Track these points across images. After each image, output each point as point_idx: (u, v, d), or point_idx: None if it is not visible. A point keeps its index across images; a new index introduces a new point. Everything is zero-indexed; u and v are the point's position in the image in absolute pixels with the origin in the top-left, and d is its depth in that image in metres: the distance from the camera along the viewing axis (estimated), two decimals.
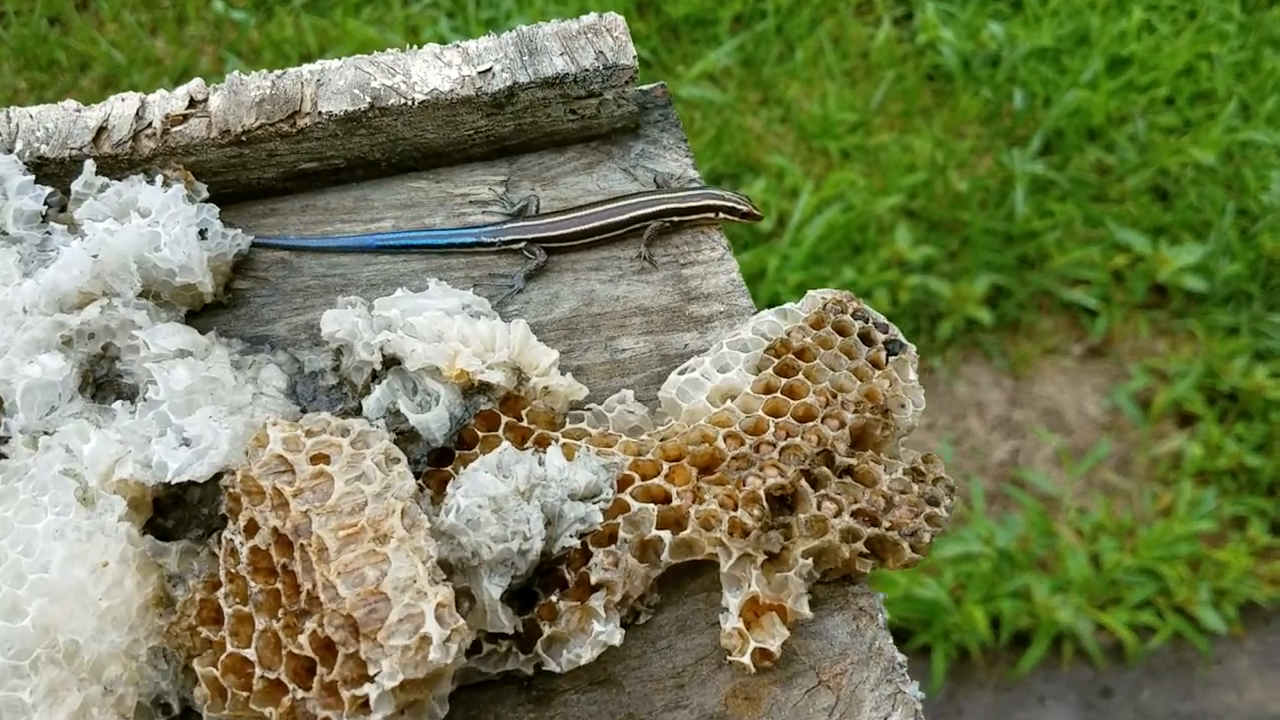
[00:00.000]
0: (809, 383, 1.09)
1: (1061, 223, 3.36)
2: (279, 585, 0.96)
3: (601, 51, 1.28)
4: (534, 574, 1.00)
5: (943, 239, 3.35)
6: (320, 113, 1.25)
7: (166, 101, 1.27)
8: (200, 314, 1.23)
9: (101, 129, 1.25)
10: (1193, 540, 2.93)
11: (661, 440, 1.08)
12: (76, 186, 1.21)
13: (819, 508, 1.02)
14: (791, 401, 1.08)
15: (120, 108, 1.26)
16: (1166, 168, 3.44)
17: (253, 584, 0.96)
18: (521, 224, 1.28)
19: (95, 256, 1.14)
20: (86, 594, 0.96)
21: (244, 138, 1.25)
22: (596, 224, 1.28)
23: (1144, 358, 3.25)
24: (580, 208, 1.30)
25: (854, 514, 1.02)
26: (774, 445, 1.05)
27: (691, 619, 1.03)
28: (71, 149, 1.23)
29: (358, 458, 1.00)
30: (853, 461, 1.06)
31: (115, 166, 1.25)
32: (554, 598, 0.99)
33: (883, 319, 1.15)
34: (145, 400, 1.08)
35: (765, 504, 1.01)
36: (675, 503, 1.02)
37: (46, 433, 1.07)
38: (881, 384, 1.10)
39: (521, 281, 1.26)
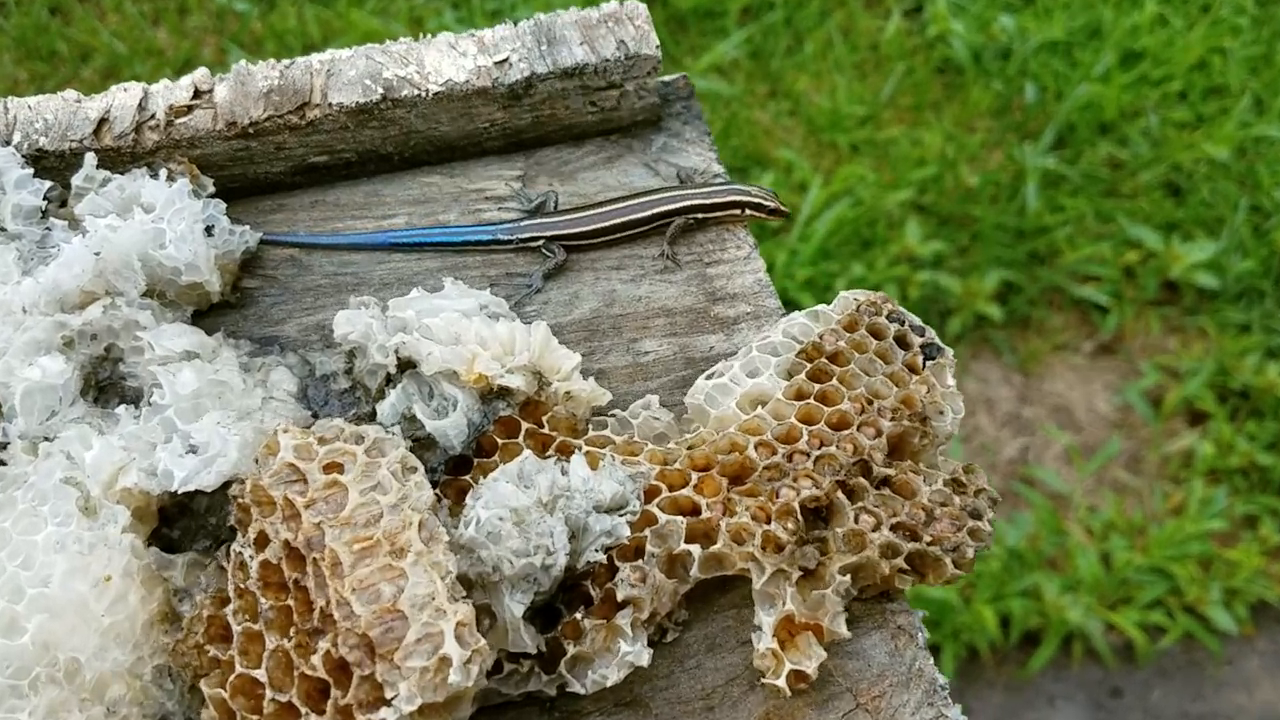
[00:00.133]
0: (843, 389, 1.04)
1: (1073, 218, 3.30)
2: (290, 602, 0.90)
3: (623, 41, 1.22)
4: (557, 590, 0.95)
5: (953, 234, 3.30)
6: (330, 104, 1.20)
7: (170, 92, 1.21)
8: (207, 314, 1.17)
9: (103, 120, 1.19)
10: (1204, 539, 2.88)
11: (689, 449, 1.02)
12: (77, 180, 1.15)
13: (856, 521, 0.97)
14: (825, 408, 1.03)
15: (122, 98, 1.21)
16: (1179, 163, 3.38)
17: (263, 600, 0.91)
18: (539, 221, 1.23)
19: (97, 254, 1.08)
20: (88, 609, 0.91)
21: (251, 130, 1.19)
22: (617, 221, 1.22)
23: (1155, 355, 3.20)
24: (600, 204, 1.24)
25: (893, 528, 0.96)
26: (808, 454, 1.00)
27: (721, 637, 0.98)
28: (72, 141, 1.18)
29: (373, 467, 0.94)
30: (890, 472, 1.01)
31: (117, 160, 1.19)
32: (578, 615, 0.93)
33: (918, 321, 1.10)
34: (150, 404, 1.03)
35: (800, 517, 0.96)
36: (705, 515, 0.97)
37: (47, 438, 1.02)
38: (919, 390, 1.05)
39: (540, 281, 1.20)
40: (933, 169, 3.34)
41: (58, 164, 1.18)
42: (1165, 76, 3.57)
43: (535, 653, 0.92)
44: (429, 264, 1.22)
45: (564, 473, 0.97)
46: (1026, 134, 3.49)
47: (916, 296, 3.16)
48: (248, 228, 1.19)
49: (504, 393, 1.04)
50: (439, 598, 0.87)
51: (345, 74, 1.22)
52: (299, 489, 0.93)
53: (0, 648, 0.88)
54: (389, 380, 1.06)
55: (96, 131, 1.18)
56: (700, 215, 1.23)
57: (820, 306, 1.10)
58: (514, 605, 0.91)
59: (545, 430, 1.04)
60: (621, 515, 0.96)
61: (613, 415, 1.07)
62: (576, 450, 1.02)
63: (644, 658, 0.91)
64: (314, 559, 0.90)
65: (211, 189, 1.20)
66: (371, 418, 1.06)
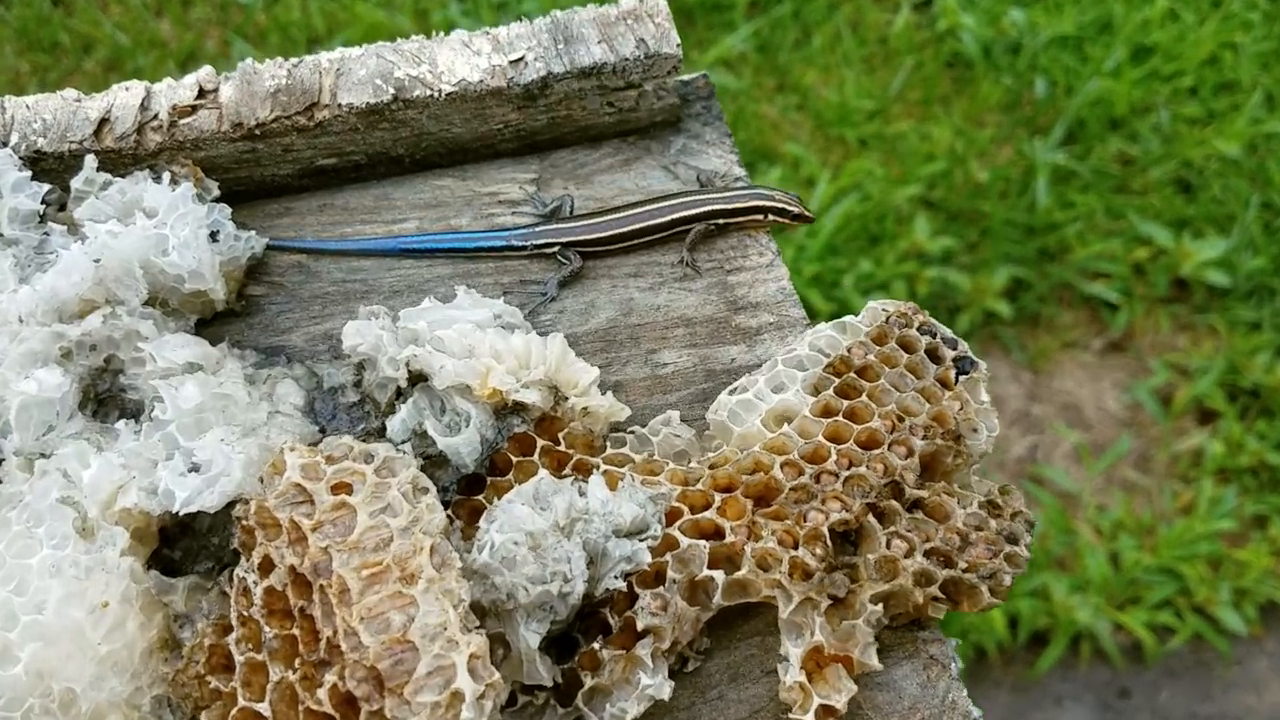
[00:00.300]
0: (873, 405, 0.98)
1: (1083, 214, 3.24)
2: (296, 631, 0.86)
3: (642, 39, 1.16)
4: (574, 618, 0.89)
5: (962, 230, 3.24)
6: (340, 105, 1.14)
7: (174, 91, 1.16)
8: (211, 323, 1.12)
9: (103, 121, 1.13)
10: (1213, 539, 2.83)
11: (712, 468, 0.97)
12: (77, 184, 1.10)
13: (888, 546, 0.91)
14: (854, 426, 0.97)
15: (124, 98, 1.15)
16: (1190, 159, 3.32)
17: (267, 629, 0.86)
18: (555, 226, 1.17)
19: (97, 261, 1.03)
20: (85, 637, 0.86)
21: (258, 131, 1.14)
22: (635, 226, 1.16)
23: (1165, 353, 3.14)
24: (618, 209, 1.19)
25: (927, 553, 0.91)
26: (836, 475, 0.94)
27: (745, 666, 0.93)
28: (71, 143, 1.12)
29: (383, 487, 0.89)
30: (923, 494, 0.95)
31: (118, 162, 1.14)
32: (596, 645, 0.88)
33: (950, 333, 1.04)
34: (151, 420, 0.98)
35: (828, 541, 0.90)
36: (728, 539, 0.91)
37: (43, 455, 0.96)
38: (952, 406, 0.99)
39: (555, 289, 1.15)
40: (942, 164, 3.28)
41: (57, 166, 1.13)
42: (1176, 72, 3.50)
43: (551, 685, 0.87)
44: (440, 270, 1.16)
45: (582, 494, 0.92)
46: (1036, 129, 3.42)
47: (925, 293, 3.10)
48: (253, 233, 1.14)
49: (519, 408, 0.99)
50: (451, 628, 0.82)
51: (355, 73, 1.16)
52: (306, 511, 0.88)
53: None
54: (399, 394, 1.01)
55: (97, 132, 1.13)
56: (721, 220, 1.17)
57: (848, 318, 1.04)
58: (529, 635, 0.86)
59: (561, 447, 0.99)
60: (642, 539, 0.90)
61: (631, 432, 1.02)
62: (594, 469, 0.97)
63: (665, 690, 0.86)
64: (321, 585, 0.85)
65: (216, 192, 1.15)
66: (381, 433, 1.00)
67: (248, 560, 0.88)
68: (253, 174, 1.18)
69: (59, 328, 1.00)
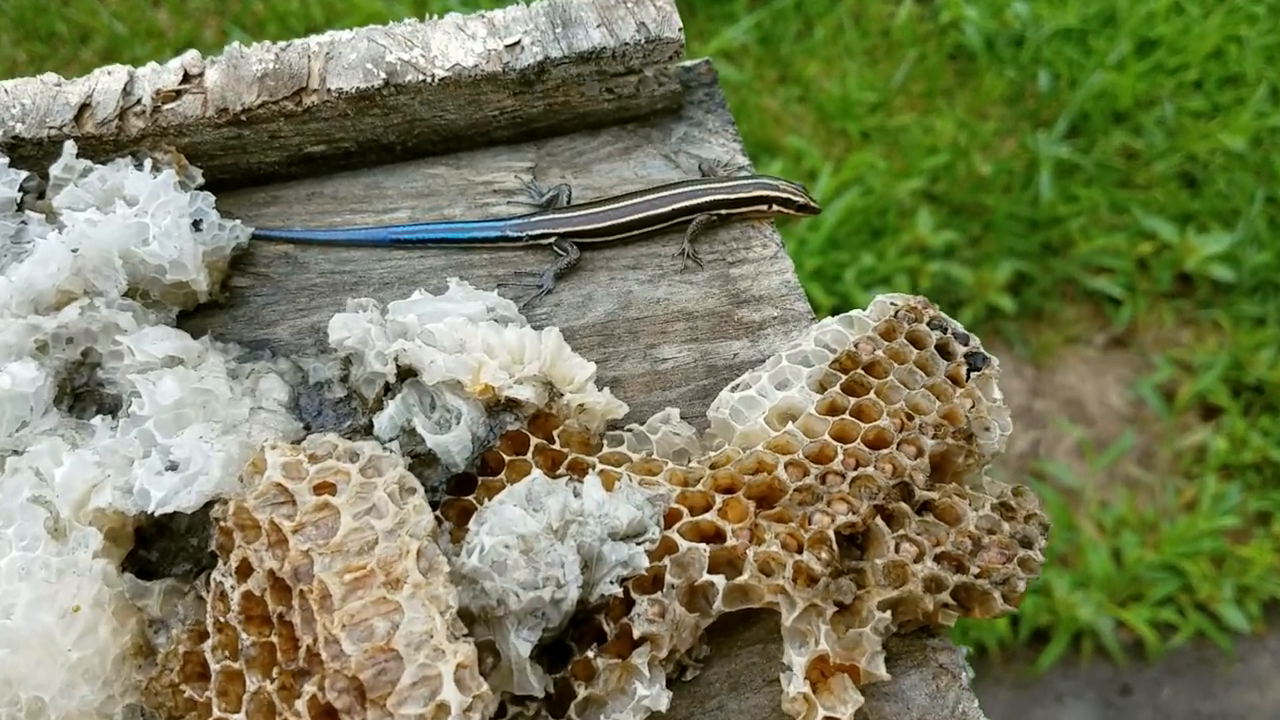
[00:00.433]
0: (881, 403, 0.93)
1: (1086, 208, 3.18)
2: (274, 638, 0.81)
3: (643, 23, 1.11)
4: (567, 625, 0.84)
5: (965, 224, 3.19)
6: (329, 90, 1.09)
7: (158, 76, 1.11)
8: (193, 315, 1.07)
9: (84, 106, 1.08)
10: (1216, 536, 2.79)
11: (713, 468, 0.92)
12: (56, 171, 1.05)
13: (897, 550, 0.86)
14: (861, 425, 0.92)
15: (106, 82, 1.10)
16: (1194, 153, 3.26)
17: (244, 636, 0.81)
18: (551, 216, 1.13)
19: (75, 251, 0.98)
20: (54, 643, 0.82)
21: (244, 117, 1.09)
22: (635, 217, 1.12)
23: (1168, 348, 3.09)
24: (616, 199, 1.14)
25: (937, 558, 0.86)
26: (843, 476, 0.89)
27: (746, 675, 0.88)
28: (50, 128, 1.07)
29: (368, 488, 0.84)
30: (933, 495, 0.90)
31: (99, 148, 1.09)
32: (590, 653, 0.83)
33: (961, 328, 0.99)
34: (128, 416, 0.93)
35: (834, 545, 0.85)
36: (730, 542, 0.87)
37: (16, 452, 0.92)
38: (963, 404, 0.94)
39: (551, 281, 1.10)
40: (944, 157, 3.23)
41: (35, 152, 1.08)
42: (1181, 65, 3.44)
43: (543, 695, 0.82)
44: (433, 262, 1.11)
45: (576, 495, 0.87)
46: (1040, 122, 3.37)
47: (927, 287, 3.05)
48: (238, 222, 1.09)
49: (512, 405, 0.94)
50: (437, 635, 0.78)
51: (345, 57, 1.11)
52: (287, 512, 0.83)
53: None
54: (388, 390, 0.96)
55: (77, 118, 1.08)
56: (724, 211, 1.13)
57: (855, 312, 0.99)
58: (520, 643, 0.81)
59: (556, 446, 0.94)
60: (639, 543, 0.85)
61: (629, 430, 0.97)
62: (590, 469, 0.92)
63: (662, 701, 0.81)
64: (301, 591, 0.80)
65: (200, 180, 1.10)
66: (368, 430, 0.95)
67: (225, 563, 0.84)
68: (239, 161, 1.13)
69: (35, 320, 0.95)
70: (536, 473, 0.89)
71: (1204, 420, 3.01)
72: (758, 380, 0.96)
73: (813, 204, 1.15)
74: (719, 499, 0.89)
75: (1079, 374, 3.11)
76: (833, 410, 0.93)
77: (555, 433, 0.95)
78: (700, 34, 3.54)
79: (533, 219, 1.13)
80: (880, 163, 3.22)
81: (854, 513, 0.87)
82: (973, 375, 0.97)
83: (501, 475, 0.92)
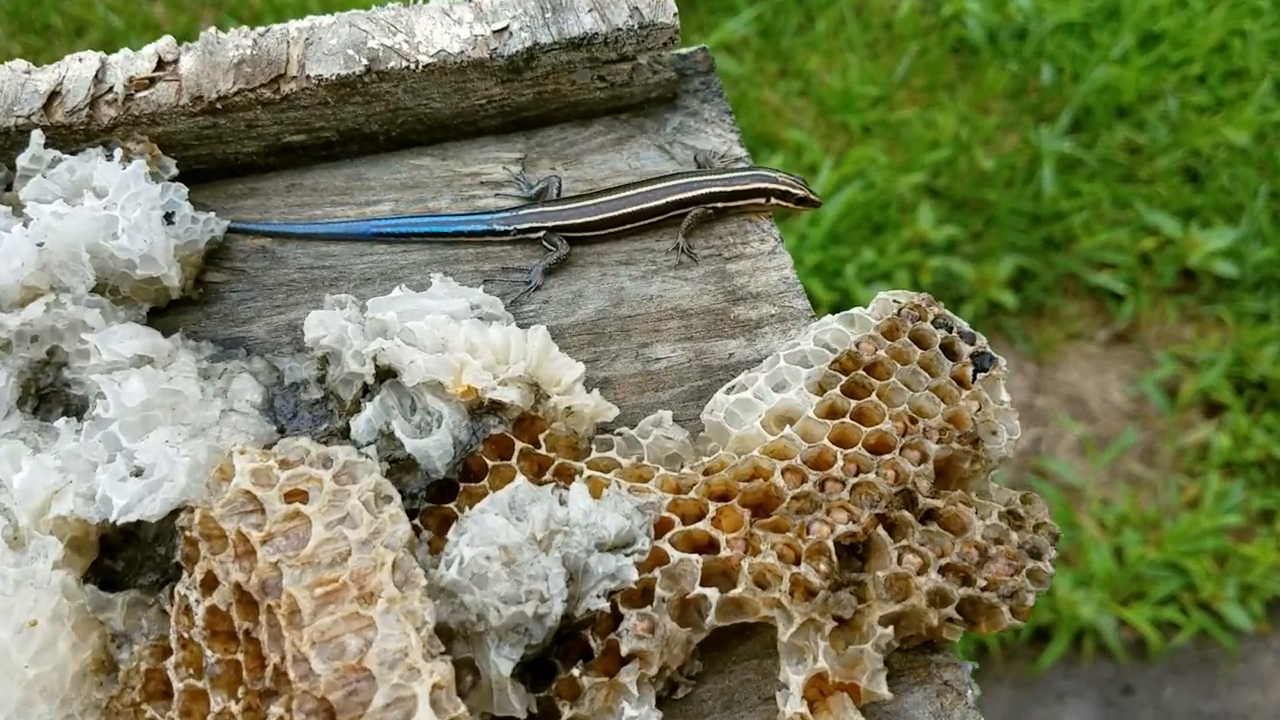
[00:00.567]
0: (883, 405, 0.88)
1: (1089, 204, 3.13)
2: (240, 656, 0.76)
3: (637, 8, 1.05)
4: (552, 641, 0.79)
5: (966, 219, 3.13)
6: (308, 77, 1.03)
7: (131, 63, 1.05)
8: (165, 312, 1.01)
9: (54, 94, 1.03)
10: (1219, 534, 2.74)
11: (706, 474, 0.87)
12: (22, 161, 1.00)
13: (899, 562, 0.81)
14: (862, 429, 0.87)
15: (77, 69, 1.04)
16: (1198, 148, 3.20)
17: (209, 653, 0.76)
18: (541, 209, 1.07)
19: (41, 244, 0.93)
20: (10, 659, 0.77)
21: (219, 105, 1.03)
22: (627, 210, 1.07)
23: (1171, 344, 3.04)
24: (609, 191, 1.09)
25: (942, 570, 0.81)
26: (842, 483, 0.84)
27: (740, 692, 0.83)
28: (18, 116, 1.02)
29: (341, 495, 0.79)
30: (938, 503, 0.85)
31: (69, 138, 1.03)
32: (576, 671, 0.78)
33: (967, 327, 0.94)
34: (93, 418, 0.87)
35: (834, 556, 0.80)
36: (723, 553, 0.81)
37: None
38: (969, 406, 0.89)
39: (540, 277, 1.05)
40: (946, 152, 3.17)
41: (2, 142, 1.03)
42: (1184, 59, 3.38)
43: (525, 716, 0.76)
44: (416, 257, 1.06)
45: (562, 502, 0.82)
46: (1042, 117, 3.31)
47: (929, 283, 3.00)
48: (213, 215, 1.03)
49: (496, 407, 0.88)
50: (413, 654, 0.73)
51: (325, 43, 1.05)
52: (255, 521, 0.78)
53: None
54: (366, 391, 0.91)
55: (46, 106, 1.02)
56: (720, 204, 1.07)
57: (856, 310, 0.94)
58: (501, 661, 0.76)
59: (542, 450, 0.89)
60: (628, 554, 0.80)
61: (619, 434, 0.92)
62: (577, 475, 0.87)
63: None
64: (268, 605, 0.75)
65: (174, 171, 1.04)
66: (345, 434, 0.90)
67: (190, 576, 0.78)
68: (215, 151, 1.07)
69: None
70: (520, 479, 0.83)
71: (1207, 417, 2.96)
72: (754, 382, 0.90)
73: (813, 197, 1.10)
74: (713, 507, 0.84)
75: (1081, 370, 3.06)
76: (832, 413, 0.88)
77: (541, 437, 0.89)
78: (701, 27, 3.48)
79: (521, 212, 1.07)
80: (881, 157, 3.16)
81: (854, 522, 0.81)
82: (979, 376, 0.91)
83: (484, 481, 0.87)
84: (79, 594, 0.81)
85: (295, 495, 0.79)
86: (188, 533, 0.79)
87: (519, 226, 1.07)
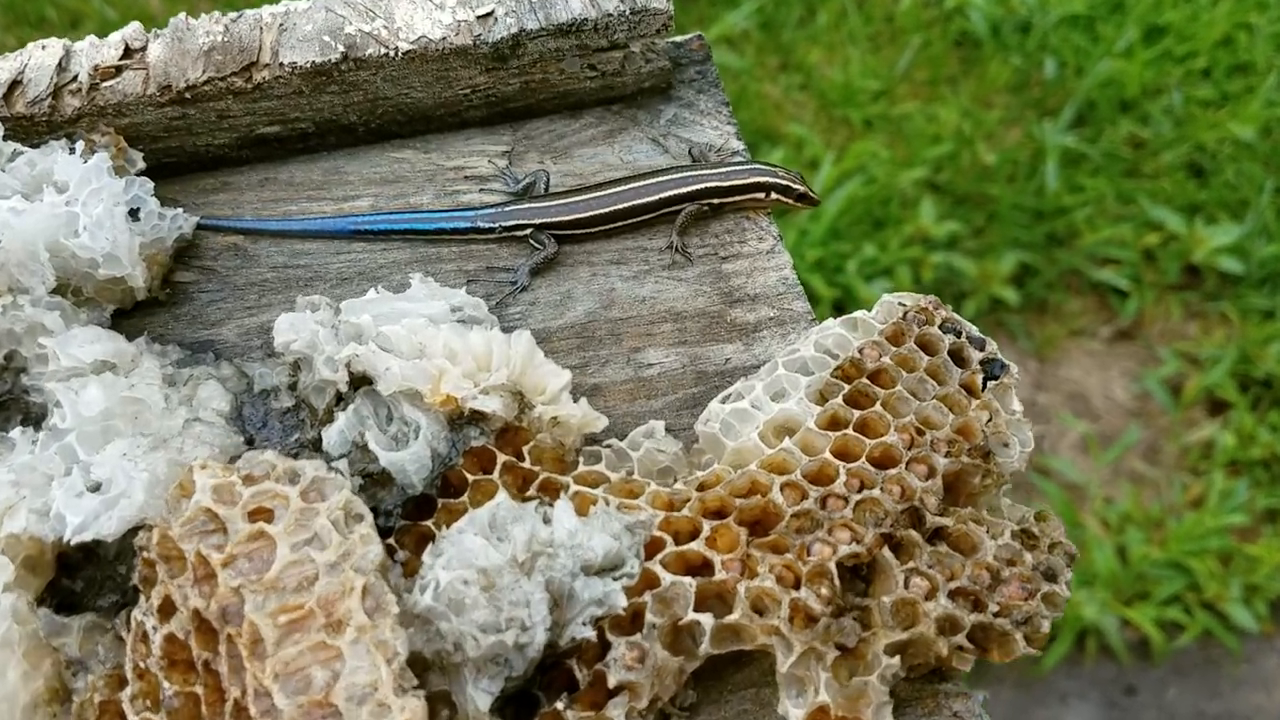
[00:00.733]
0: (888, 416, 0.81)
1: (1092, 199, 3.06)
2: (199, 688, 0.70)
3: None
4: (534, 672, 0.73)
5: (969, 214, 3.06)
6: (282, 64, 0.97)
7: (97, 50, 0.99)
8: (131, 314, 0.95)
9: (14, 84, 0.97)
10: (1223, 534, 2.68)
11: (700, 489, 0.80)
12: None
13: (906, 586, 0.75)
14: (866, 441, 0.80)
15: (39, 57, 0.98)
16: (1203, 143, 3.14)
17: (166, 684, 0.70)
18: (527, 206, 1.01)
19: None
20: None
21: (189, 95, 0.97)
22: (619, 207, 1.01)
23: (1175, 341, 2.98)
24: (599, 186, 1.03)
25: (952, 594, 0.74)
26: (845, 500, 0.78)
27: None
28: None
29: (309, 514, 0.73)
30: (947, 521, 0.78)
31: (31, 130, 0.97)
32: (560, 704, 0.72)
33: (977, 331, 0.87)
34: (50, 428, 0.81)
35: (836, 579, 0.74)
36: (718, 575, 0.75)
37: None
38: (979, 417, 0.82)
39: (526, 277, 0.99)
40: (948, 146, 3.10)
41: None
42: (1189, 53, 3.31)
43: None
44: (397, 255, 1.00)
45: (546, 521, 0.76)
46: (1046, 111, 3.24)
47: (930, 279, 2.94)
48: (181, 211, 0.97)
49: (477, 417, 0.82)
50: (383, 688, 0.67)
51: (300, 29, 0.99)
52: (216, 541, 0.72)
53: None
54: (339, 399, 0.84)
55: (6, 96, 0.96)
56: (716, 200, 1.01)
57: (859, 313, 0.87)
58: (479, 695, 0.70)
59: (526, 464, 0.82)
60: (616, 578, 0.74)
61: (608, 445, 0.85)
62: (564, 490, 0.80)
63: None
64: (229, 634, 0.68)
65: (141, 165, 0.98)
66: (317, 445, 0.84)
67: (147, 600, 0.72)
68: (184, 143, 1.01)
69: None
70: (501, 497, 0.77)
71: (1211, 415, 2.90)
72: (751, 390, 0.84)
73: (813, 194, 1.04)
74: (707, 525, 0.77)
75: (1084, 367, 3.00)
76: (834, 424, 0.82)
77: (525, 449, 0.83)
78: (701, 19, 3.42)
79: (507, 208, 1.01)
80: (883, 151, 3.10)
81: (858, 542, 0.75)
82: (989, 384, 0.85)
83: (464, 497, 0.81)
84: (31, 619, 0.75)
85: (259, 514, 0.73)
86: (145, 553, 0.73)
87: (505, 223, 1.00)
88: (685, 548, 0.76)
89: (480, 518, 0.75)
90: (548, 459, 0.83)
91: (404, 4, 1.00)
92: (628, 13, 0.98)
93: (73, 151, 0.94)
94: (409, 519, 0.80)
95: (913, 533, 0.77)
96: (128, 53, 0.98)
